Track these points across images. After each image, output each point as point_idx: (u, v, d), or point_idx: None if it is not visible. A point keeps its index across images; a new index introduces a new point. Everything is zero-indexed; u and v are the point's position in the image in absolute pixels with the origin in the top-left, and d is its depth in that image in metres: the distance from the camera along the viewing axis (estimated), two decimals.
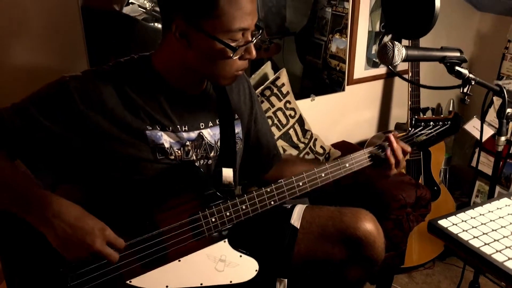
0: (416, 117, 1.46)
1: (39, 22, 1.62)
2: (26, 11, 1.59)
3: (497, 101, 2.31)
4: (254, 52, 1.19)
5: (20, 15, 1.59)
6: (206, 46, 1.14)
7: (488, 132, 2.31)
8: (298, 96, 2.19)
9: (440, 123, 1.45)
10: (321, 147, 2.18)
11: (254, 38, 1.18)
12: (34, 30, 1.62)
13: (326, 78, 2.37)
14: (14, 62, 1.62)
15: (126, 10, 1.82)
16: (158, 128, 1.22)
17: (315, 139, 2.16)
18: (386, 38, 1.25)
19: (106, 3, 1.75)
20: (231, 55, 1.14)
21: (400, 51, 1.19)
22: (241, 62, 1.20)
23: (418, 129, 1.45)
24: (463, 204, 2.68)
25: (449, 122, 1.45)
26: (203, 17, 1.11)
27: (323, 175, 1.32)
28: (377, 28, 2.37)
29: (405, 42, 2.18)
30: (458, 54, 1.25)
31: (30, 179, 1.13)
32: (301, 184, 1.30)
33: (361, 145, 2.51)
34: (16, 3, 1.56)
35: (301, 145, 2.09)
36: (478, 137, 2.23)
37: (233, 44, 1.13)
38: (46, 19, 1.62)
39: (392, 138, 1.37)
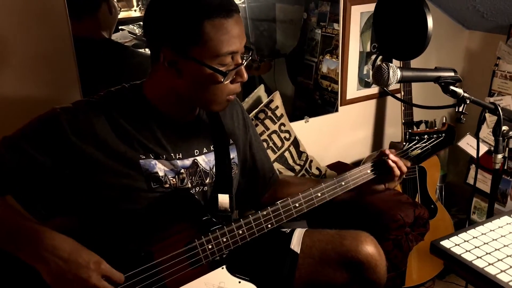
0: (410, 131, 1.47)
1: (30, 51, 1.61)
2: (19, 40, 1.59)
3: (489, 117, 2.32)
4: (245, 75, 1.19)
5: (13, 44, 1.58)
6: (196, 73, 1.13)
7: (482, 149, 2.31)
8: (291, 117, 2.19)
9: (435, 135, 1.46)
10: (317, 168, 2.17)
11: (244, 61, 1.18)
12: (26, 59, 1.62)
13: (318, 98, 2.38)
14: (5, 93, 1.61)
15: (116, 36, 1.83)
16: (152, 157, 1.21)
17: (311, 161, 2.16)
18: (379, 60, 1.25)
19: (95, 31, 1.76)
20: (222, 80, 1.14)
21: (395, 72, 1.19)
22: (233, 86, 1.19)
23: (412, 143, 1.45)
24: (460, 221, 2.67)
25: (443, 135, 1.46)
26: (190, 44, 1.11)
27: (319, 194, 1.31)
28: (368, 49, 2.39)
29: (395, 62, 2.20)
30: (452, 74, 1.25)
31: (21, 214, 1.11)
32: (297, 205, 1.28)
33: (356, 165, 2.49)
34: (5, 32, 1.56)
35: (297, 167, 2.09)
36: (473, 154, 2.23)
37: (222, 69, 1.13)
38: (36, 49, 1.62)
39: (388, 151, 1.38)
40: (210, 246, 1.20)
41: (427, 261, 2.35)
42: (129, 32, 1.89)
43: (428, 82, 1.29)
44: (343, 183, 1.35)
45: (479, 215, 2.58)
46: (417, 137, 1.45)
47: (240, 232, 1.22)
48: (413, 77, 1.26)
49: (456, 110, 1.26)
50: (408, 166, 1.41)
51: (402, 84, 2.34)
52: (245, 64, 1.18)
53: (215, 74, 1.13)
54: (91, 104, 1.20)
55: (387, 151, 1.38)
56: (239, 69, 1.17)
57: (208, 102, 1.20)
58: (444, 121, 2.65)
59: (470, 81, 2.72)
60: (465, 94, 1.24)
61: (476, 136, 1.42)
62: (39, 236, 1.05)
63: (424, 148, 1.45)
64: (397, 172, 1.37)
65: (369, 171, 1.39)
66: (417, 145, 1.45)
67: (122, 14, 1.80)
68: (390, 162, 1.37)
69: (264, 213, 1.25)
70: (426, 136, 1.45)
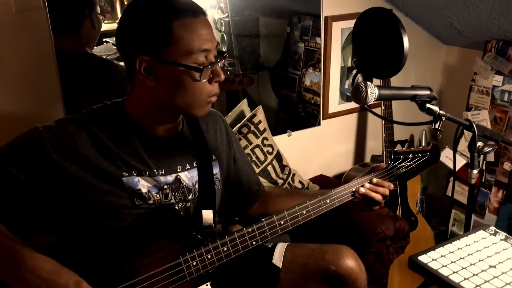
0: (395, 150, 1.48)
1: (15, 68, 1.61)
2: (1, 56, 1.58)
3: (467, 132, 2.38)
4: (222, 74, 1.20)
5: None
6: (172, 75, 1.15)
7: (461, 162, 2.37)
8: (275, 131, 2.22)
9: (419, 154, 1.46)
10: (300, 182, 2.19)
11: (218, 60, 1.20)
12: (9, 76, 1.61)
13: (301, 111, 2.41)
14: None
15: (100, 49, 1.83)
16: (135, 174, 1.21)
17: (293, 174, 2.18)
18: (360, 77, 1.28)
19: (78, 46, 1.76)
20: (199, 77, 1.15)
21: (372, 91, 1.23)
22: (211, 86, 1.21)
23: (397, 162, 1.46)
24: (440, 232, 2.71)
25: (428, 154, 1.47)
26: (162, 46, 1.13)
27: (304, 212, 1.33)
28: (349, 64, 2.44)
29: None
30: (428, 92, 1.29)
31: (2, 233, 1.10)
32: (282, 222, 1.30)
33: (338, 177, 2.54)
34: None
35: (280, 181, 2.10)
36: (452, 167, 2.28)
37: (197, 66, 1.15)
38: (20, 64, 1.62)
39: (374, 180, 1.40)
40: (194, 263, 1.20)
41: (408, 274, 2.37)
42: (113, 45, 1.89)
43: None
44: (328, 201, 1.36)
45: (458, 227, 2.63)
46: (402, 156, 1.46)
47: (225, 249, 1.23)
48: (391, 95, 1.30)
49: (433, 127, 1.30)
50: (391, 189, 1.43)
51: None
52: (220, 64, 1.20)
53: (191, 72, 1.15)
54: (73, 122, 1.20)
55: (374, 180, 1.40)
56: (214, 68, 1.19)
57: (189, 105, 1.21)
58: (424, 137, 2.70)
59: (448, 95, 2.78)
60: (441, 112, 1.28)
61: (454, 151, 1.46)
62: (20, 256, 1.04)
63: (409, 167, 1.47)
64: (379, 198, 1.40)
65: (354, 189, 1.41)
66: (402, 164, 1.46)
67: (106, 26, 1.80)
68: (373, 194, 1.39)
69: (249, 230, 1.26)
70: (411, 155, 1.46)
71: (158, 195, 1.25)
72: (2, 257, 1.05)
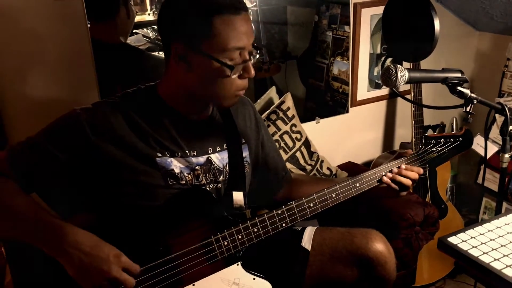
0: (426, 134, 1.46)
1: (53, 55, 1.67)
2: (41, 44, 1.64)
3: (499, 118, 2.33)
4: (252, 71, 1.22)
5: (36, 48, 1.64)
6: (205, 66, 1.18)
7: (492, 149, 2.33)
8: (302, 118, 2.22)
9: (451, 139, 1.44)
10: (328, 168, 2.20)
11: (252, 57, 1.21)
12: (48, 63, 1.67)
13: (329, 100, 2.41)
14: (28, 95, 1.67)
15: (131, 39, 1.87)
16: (168, 155, 1.25)
17: (322, 161, 2.19)
18: (388, 61, 1.28)
19: (113, 35, 1.81)
20: (229, 74, 1.18)
21: (403, 73, 1.22)
22: (240, 81, 1.23)
23: (428, 147, 1.45)
24: (471, 221, 2.68)
25: (460, 139, 1.45)
26: (200, 38, 1.16)
27: (333, 195, 1.34)
28: (378, 50, 2.42)
29: (406, 62, 2.22)
30: (459, 74, 1.28)
31: (46, 210, 1.15)
32: (312, 205, 1.31)
33: (367, 165, 2.53)
34: (33, 36, 1.62)
35: (308, 167, 2.12)
36: (483, 154, 2.25)
37: (230, 63, 1.17)
38: (59, 52, 1.67)
39: (403, 167, 1.39)
40: (225, 243, 1.23)
41: (438, 261, 2.36)
42: (143, 36, 1.94)
43: (438, 84, 1.32)
44: (357, 185, 1.37)
45: (490, 215, 2.59)
46: (433, 141, 1.44)
47: (255, 230, 1.26)
48: (421, 78, 1.29)
49: (464, 110, 1.29)
50: (421, 173, 1.42)
51: (412, 85, 2.36)
52: (252, 61, 1.22)
53: (223, 67, 1.17)
54: (109, 104, 1.25)
55: (402, 166, 1.39)
56: (246, 65, 1.20)
57: (217, 96, 1.23)
58: (455, 124, 2.66)
59: (480, 82, 2.73)
60: (472, 95, 1.27)
61: (485, 137, 1.44)
62: (63, 231, 1.09)
63: (440, 152, 1.45)
64: (408, 183, 1.39)
65: (383, 174, 1.41)
66: (433, 149, 1.45)
67: (136, 18, 1.84)
68: (400, 178, 1.38)
69: (279, 212, 1.28)
70: (442, 140, 1.44)
71: (189, 176, 1.28)
72: (46, 232, 1.10)
